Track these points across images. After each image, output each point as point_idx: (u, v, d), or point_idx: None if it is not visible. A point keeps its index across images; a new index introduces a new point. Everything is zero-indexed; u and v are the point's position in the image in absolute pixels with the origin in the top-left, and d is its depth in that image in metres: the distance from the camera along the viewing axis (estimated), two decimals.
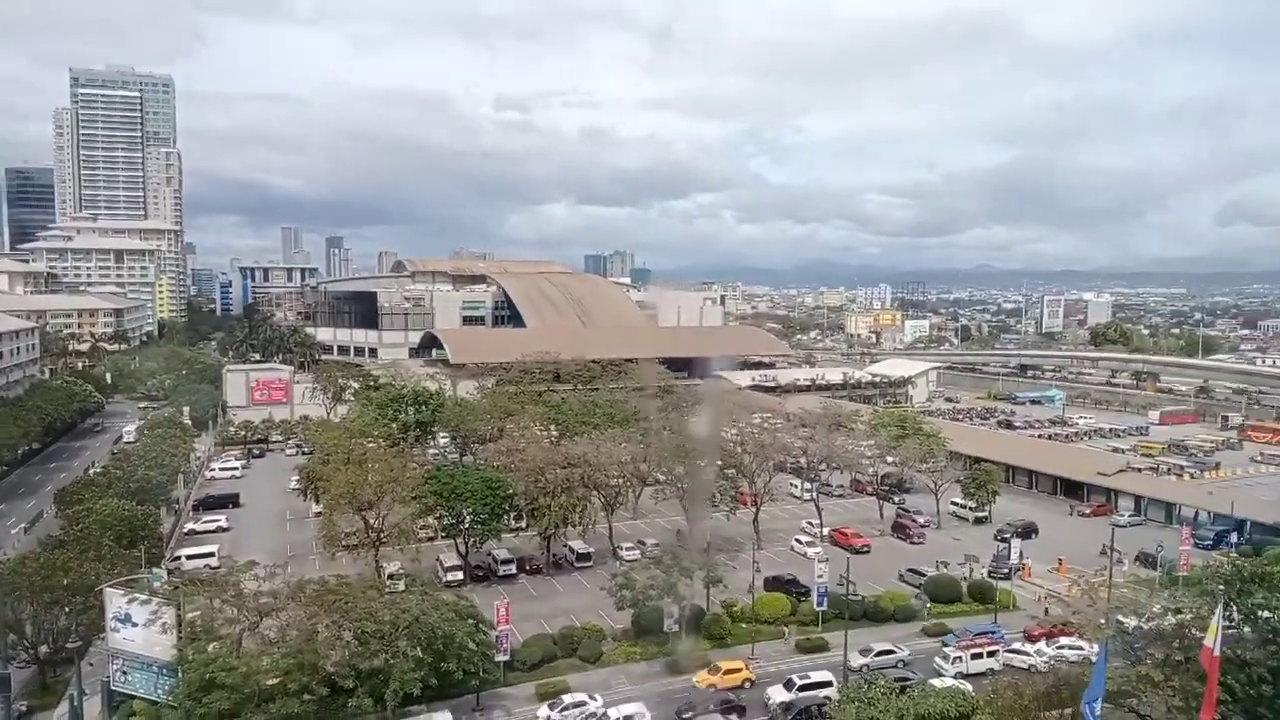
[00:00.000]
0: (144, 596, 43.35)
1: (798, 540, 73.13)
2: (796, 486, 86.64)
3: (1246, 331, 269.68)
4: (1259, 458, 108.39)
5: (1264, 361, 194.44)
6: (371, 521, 59.88)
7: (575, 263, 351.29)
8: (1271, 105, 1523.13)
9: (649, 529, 77.78)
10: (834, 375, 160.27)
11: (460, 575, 63.90)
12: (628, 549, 69.21)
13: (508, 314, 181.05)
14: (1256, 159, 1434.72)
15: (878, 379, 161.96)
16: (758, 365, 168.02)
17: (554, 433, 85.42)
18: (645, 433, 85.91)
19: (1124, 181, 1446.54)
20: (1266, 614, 29.62)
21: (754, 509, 75.23)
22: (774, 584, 61.06)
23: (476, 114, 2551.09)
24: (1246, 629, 28.46)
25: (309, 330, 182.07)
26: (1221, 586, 32.28)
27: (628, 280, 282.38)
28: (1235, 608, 30.38)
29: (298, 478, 75.80)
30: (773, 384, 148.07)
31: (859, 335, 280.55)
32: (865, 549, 71.69)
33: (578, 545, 69.01)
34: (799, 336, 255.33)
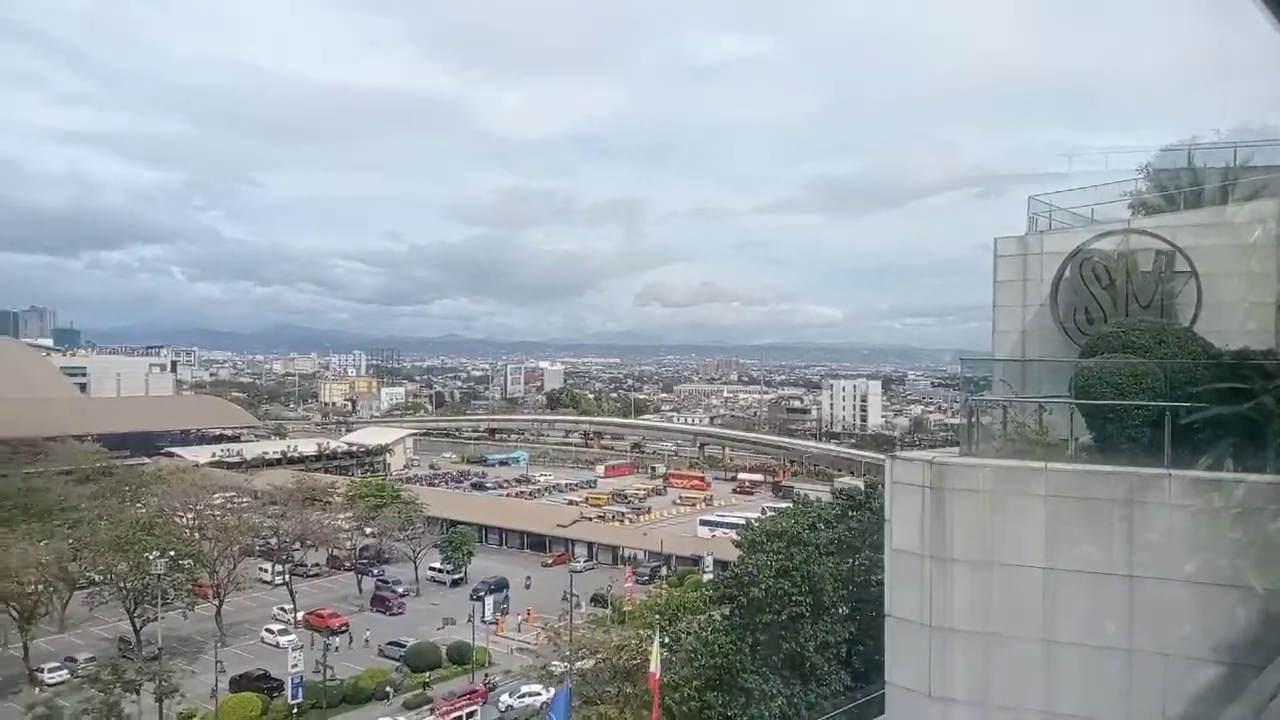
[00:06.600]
0: None
1: (269, 630, 67.36)
2: (267, 570, 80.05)
3: (665, 394, 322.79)
4: (678, 500, 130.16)
5: (679, 420, 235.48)
6: None
7: None
8: (667, 214, 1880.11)
9: (81, 642, 65.09)
10: (308, 446, 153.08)
11: None
12: (52, 670, 56.94)
13: None
14: (660, 254, 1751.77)
15: (355, 448, 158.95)
16: (219, 439, 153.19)
17: None
18: (74, 525, 72.38)
19: (566, 264, 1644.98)
20: (688, 637, 35.25)
21: (216, 601, 67.67)
22: (242, 683, 55.32)
23: None
24: (676, 653, 33.57)
25: None
26: (658, 616, 37.80)
27: (48, 342, 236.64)
28: (667, 634, 35.66)
29: None
30: (238, 459, 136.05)
31: (334, 403, 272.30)
32: (344, 628, 68.97)
33: None
34: (268, 406, 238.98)
